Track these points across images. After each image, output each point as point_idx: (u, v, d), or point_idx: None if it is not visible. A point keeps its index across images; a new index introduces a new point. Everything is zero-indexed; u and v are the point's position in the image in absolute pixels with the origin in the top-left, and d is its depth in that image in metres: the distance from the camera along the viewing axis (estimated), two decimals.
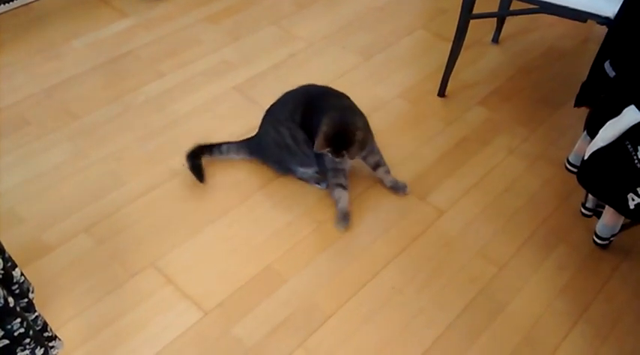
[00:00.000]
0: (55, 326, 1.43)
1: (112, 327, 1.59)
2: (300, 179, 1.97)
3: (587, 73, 1.87)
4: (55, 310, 1.61)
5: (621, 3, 1.70)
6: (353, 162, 2.04)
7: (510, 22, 2.63)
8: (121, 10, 2.72)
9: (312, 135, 1.79)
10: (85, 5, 2.75)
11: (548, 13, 1.95)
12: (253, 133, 2.00)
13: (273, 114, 1.94)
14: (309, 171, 1.95)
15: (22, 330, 1.15)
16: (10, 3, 2.50)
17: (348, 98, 1.91)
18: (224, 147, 2.00)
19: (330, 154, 1.75)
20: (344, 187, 1.87)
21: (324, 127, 1.72)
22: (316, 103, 1.85)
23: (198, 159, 1.96)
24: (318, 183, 1.96)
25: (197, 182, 1.95)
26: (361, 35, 2.63)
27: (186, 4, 2.78)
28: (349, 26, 2.68)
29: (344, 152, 1.73)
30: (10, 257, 1.30)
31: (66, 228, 1.82)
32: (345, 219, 1.85)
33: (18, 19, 2.65)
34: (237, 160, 2.04)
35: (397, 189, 1.95)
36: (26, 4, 2.72)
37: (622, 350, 1.58)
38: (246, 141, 2.02)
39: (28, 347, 1.18)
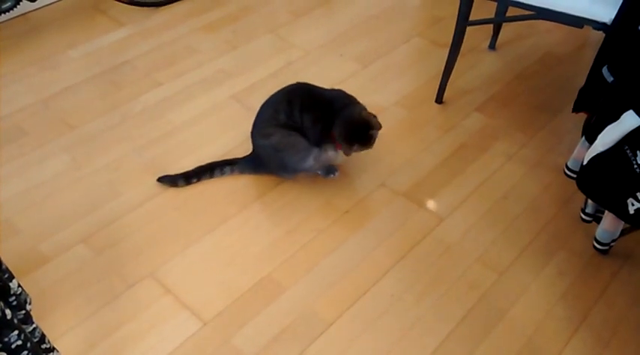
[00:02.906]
0: (53, 338, 1.42)
1: (111, 338, 1.58)
2: (314, 173, 1.99)
3: (584, 78, 1.88)
4: (53, 321, 1.59)
5: (618, 8, 1.70)
6: (351, 171, 2.04)
7: (507, 29, 2.64)
8: (117, 20, 2.72)
9: (304, 127, 1.87)
10: (81, 15, 2.75)
11: (545, 19, 1.95)
12: (250, 141, 2.00)
13: (255, 127, 1.94)
14: (310, 160, 1.90)
15: (19, 342, 1.14)
16: (7, 13, 2.50)
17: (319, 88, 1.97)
18: (227, 168, 1.99)
19: (355, 148, 1.87)
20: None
21: (343, 132, 1.83)
22: (304, 97, 1.89)
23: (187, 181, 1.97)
24: (333, 174, 1.99)
25: (195, 191, 1.95)
26: (358, 43, 2.63)
27: (183, 13, 2.78)
28: (346, 34, 2.68)
29: (370, 141, 1.86)
30: (7, 268, 1.29)
31: (63, 238, 1.81)
32: (332, 169, 2.00)
33: (15, 30, 2.65)
34: None
35: None
36: (23, 15, 2.72)
37: None
38: (247, 159, 2.00)
39: None
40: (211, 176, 1.98)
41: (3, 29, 2.64)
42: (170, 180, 1.96)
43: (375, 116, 1.86)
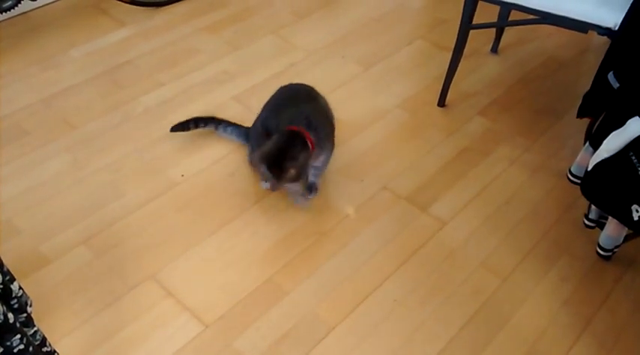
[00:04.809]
0: (53, 341, 1.42)
1: (111, 341, 1.57)
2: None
3: (586, 83, 1.87)
4: (54, 324, 1.59)
5: (625, 13, 1.70)
6: (352, 175, 2.03)
7: (509, 32, 2.63)
8: (119, 20, 2.71)
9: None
10: (83, 15, 2.74)
11: (549, 24, 1.95)
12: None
13: (262, 109, 1.99)
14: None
15: (21, 347, 1.13)
16: (8, 12, 2.48)
17: (317, 100, 1.94)
18: (229, 129, 2.10)
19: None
20: None
21: (267, 147, 1.73)
22: (285, 104, 1.93)
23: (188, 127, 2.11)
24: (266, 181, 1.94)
25: (196, 193, 1.94)
26: (361, 45, 2.62)
27: (186, 13, 2.77)
28: (348, 36, 2.68)
29: (274, 178, 1.74)
30: (8, 270, 1.27)
31: (64, 239, 1.80)
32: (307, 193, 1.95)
33: (16, 29, 2.64)
34: (237, 168, 2.03)
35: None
36: (24, 13, 2.71)
37: None
38: (247, 128, 2.08)
39: None
40: (216, 128, 2.11)
41: (4, 28, 2.63)
42: (182, 126, 2.10)
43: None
